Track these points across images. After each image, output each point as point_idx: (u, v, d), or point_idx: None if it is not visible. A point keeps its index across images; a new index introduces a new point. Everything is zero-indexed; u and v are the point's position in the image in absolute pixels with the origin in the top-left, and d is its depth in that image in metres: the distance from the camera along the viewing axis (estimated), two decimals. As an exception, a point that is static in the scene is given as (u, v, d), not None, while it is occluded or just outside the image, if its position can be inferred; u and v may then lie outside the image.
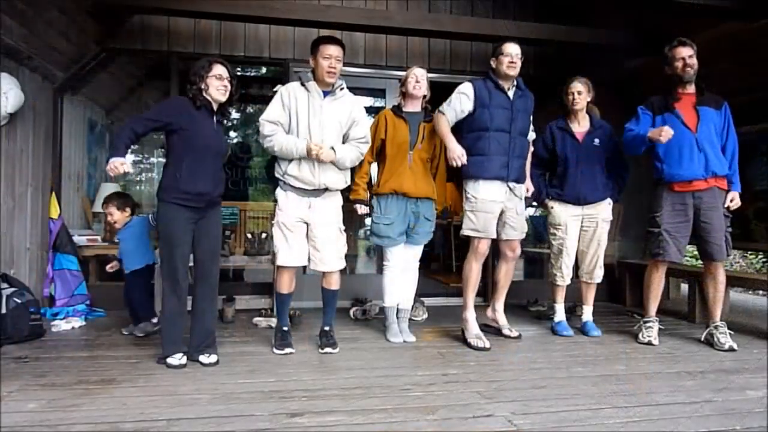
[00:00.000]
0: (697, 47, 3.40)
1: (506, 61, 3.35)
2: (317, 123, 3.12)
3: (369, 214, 3.55)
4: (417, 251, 3.60)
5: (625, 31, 4.65)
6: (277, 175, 3.22)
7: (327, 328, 3.31)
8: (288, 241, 3.16)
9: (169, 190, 2.81)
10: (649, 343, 3.42)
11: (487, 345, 3.32)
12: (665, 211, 3.42)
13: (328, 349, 3.21)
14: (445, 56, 5.05)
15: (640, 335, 3.51)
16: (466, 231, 3.44)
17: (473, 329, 3.42)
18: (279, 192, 3.22)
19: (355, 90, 5.72)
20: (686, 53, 3.35)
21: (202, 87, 2.86)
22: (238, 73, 6.42)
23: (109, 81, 5.46)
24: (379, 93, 5.26)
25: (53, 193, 4.18)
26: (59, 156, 4.46)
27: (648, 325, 3.52)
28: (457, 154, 3.25)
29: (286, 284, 3.24)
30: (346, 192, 3.39)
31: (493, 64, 3.45)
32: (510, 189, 3.44)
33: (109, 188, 5.08)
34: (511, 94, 3.42)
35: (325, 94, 3.17)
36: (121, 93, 6.08)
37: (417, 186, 3.42)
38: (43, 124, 4.17)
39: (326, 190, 3.20)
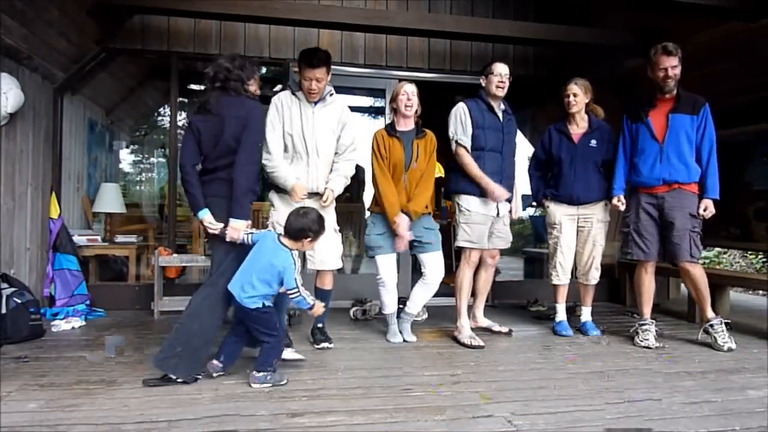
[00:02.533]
0: (697, 47, 3.39)
1: (495, 80, 3.50)
2: (310, 131, 3.18)
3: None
4: (437, 260, 3.47)
5: (624, 31, 4.65)
6: (270, 180, 3.26)
7: (320, 326, 3.38)
8: None
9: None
10: (648, 347, 3.39)
11: (482, 343, 3.38)
12: (633, 211, 3.54)
13: (324, 344, 3.27)
14: (445, 56, 5.05)
15: (637, 338, 3.49)
16: (461, 242, 3.55)
17: (466, 332, 3.50)
18: (272, 194, 3.27)
19: (355, 90, 5.73)
20: (669, 63, 3.32)
21: (251, 87, 2.84)
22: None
23: (109, 81, 5.46)
24: (379, 93, 5.26)
25: (53, 193, 4.18)
26: (59, 156, 4.46)
27: (644, 327, 3.50)
28: (498, 194, 3.44)
29: None
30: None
31: (482, 82, 3.59)
32: (498, 207, 3.57)
33: (109, 188, 5.09)
34: (501, 116, 3.59)
35: (315, 102, 3.22)
36: (121, 93, 6.09)
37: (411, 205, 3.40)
38: (43, 124, 4.16)
39: (319, 194, 3.24)
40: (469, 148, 3.48)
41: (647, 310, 3.58)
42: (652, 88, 3.47)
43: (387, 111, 3.58)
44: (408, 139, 3.42)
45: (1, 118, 3.47)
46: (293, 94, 3.22)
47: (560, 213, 3.78)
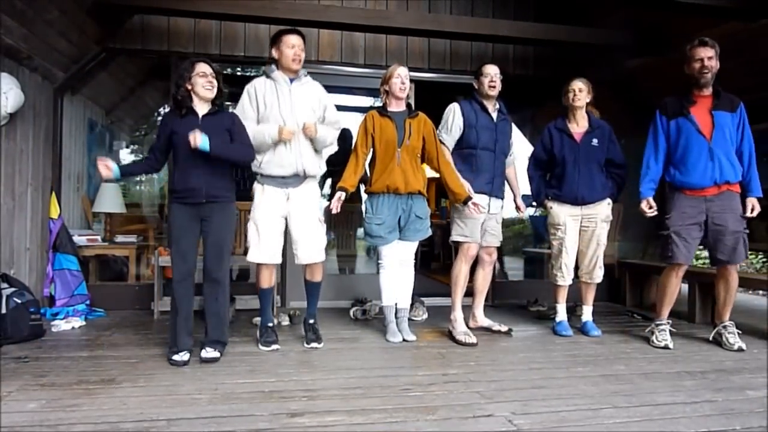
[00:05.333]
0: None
1: (486, 81, 3.59)
2: (288, 107, 3.19)
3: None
4: (411, 248, 3.60)
5: (624, 31, 4.65)
6: (253, 168, 3.25)
7: (312, 321, 3.39)
8: (260, 238, 3.21)
9: (170, 191, 3.01)
10: (666, 347, 3.37)
11: (474, 340, 3.42)
12: (675, 213, 3.40)
13: (313, 344, 3.28)
14: (445, 56, 5.05)
15: (654, 338, 3.47)
16: (456, 237, 3.64)
17: (460, 327, 3.54)
18: (256, 186, 3.28)
19: (355, 90, 5.71)
20: (705, 54, 3.25)
21: (188, 87, 2.94)
22: (238, 73, 6.49)
23: (109, 81, 5.46)
24: (379, 93, 5.25)
25: (53, 193, 4.18)
26: (59, 156, 4.46)
27: (661, 328, 3.49)
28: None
29: (266, 279, 3.29)
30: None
31: (475, 85, 3.69)
32: (490, 203, 3.64)
33: (109, 188, 5.09)
34: (494, 116, 3.67)
35: (291, 80, 3.25)
36: (121, 93, 6.09)
37: (407, 182, 3.45)
38: (43, 124, 4.17)
39: (305, 177, 3.24)
40: (449, 147, 3.62)
41: (667, 311, 3.53)
42: (686, 86, 3.38)
43: (381, 95, 3.60)
44: (400, 119, 3.47)
45: (1, 118, 3.48)
46: (268, 77, 3.25)
47: (564, 214, 3.76)
